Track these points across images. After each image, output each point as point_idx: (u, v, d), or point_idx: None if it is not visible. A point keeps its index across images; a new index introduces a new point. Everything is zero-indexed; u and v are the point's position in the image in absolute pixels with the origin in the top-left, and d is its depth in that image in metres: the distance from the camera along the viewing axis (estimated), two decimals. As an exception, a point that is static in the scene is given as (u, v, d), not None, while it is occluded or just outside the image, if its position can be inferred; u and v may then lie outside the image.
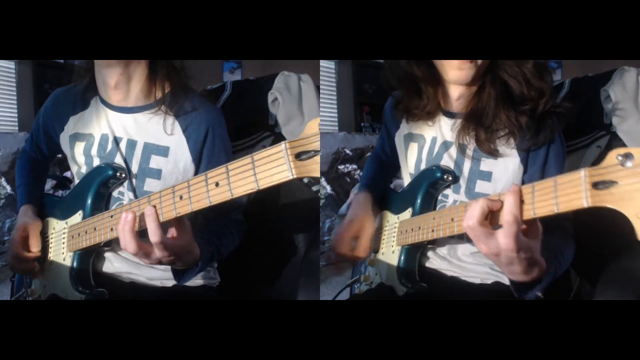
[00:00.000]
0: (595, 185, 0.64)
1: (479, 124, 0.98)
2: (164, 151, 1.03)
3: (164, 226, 0.83)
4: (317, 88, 1.34)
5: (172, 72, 1.03)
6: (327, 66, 3.26)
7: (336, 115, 3.37)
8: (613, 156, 0.63)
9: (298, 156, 0.69)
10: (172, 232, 0.85)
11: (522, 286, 0.84)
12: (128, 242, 0.84)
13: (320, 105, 1.35)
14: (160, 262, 0.87)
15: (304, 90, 1.31)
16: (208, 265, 0.97)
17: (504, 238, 0.74)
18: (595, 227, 1.13)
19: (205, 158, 1.04)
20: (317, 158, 0.69)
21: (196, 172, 1.05)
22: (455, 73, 0.96)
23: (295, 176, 0.68)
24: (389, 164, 1.25)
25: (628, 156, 0.61)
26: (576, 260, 1.14)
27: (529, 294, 0.85)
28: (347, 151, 3.07)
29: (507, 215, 0.74)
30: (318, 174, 0.69)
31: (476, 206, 0.77)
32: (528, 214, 0.73)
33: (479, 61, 0.94)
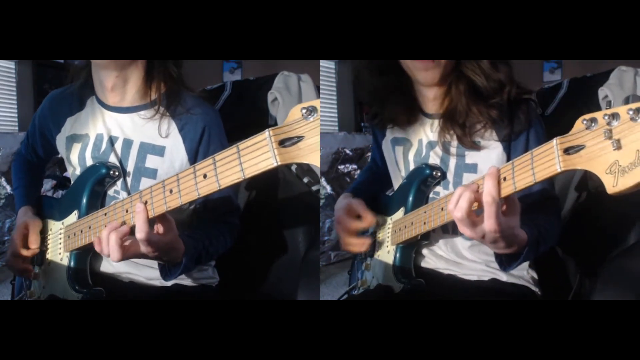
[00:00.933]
0: (566, 151, 0.69)
1: (455, 123, 1.01)
2: (159, 151, 1.03)
3: (149, 223, 0.84)
4: (317, 88, 1.34)
5: (167, 75, 1.04)
6: (327, 66, 3.25)
7: (336, 115, 3.37)
8: (579, 122, 0.68)
9: (282, 143, 0.69)
10: (158, 227, 0.86)
11: (506, 258, 0.89)
12: (113, 250, 0.84)
13: (320, 105, 1.35)
14: (144, 257, 0.88)
15: (303, 90, 1.32)
16: (195, 264, 0.97)
17: (486, 220, 0.78)
18: (589, 233, 1.13)
19: (201, 157, 1.04)
20: (302, 144, 0.68)
21: None
22: (422, 74, 0.99)
23: (279, 163, 0.68)
24: (380, 173, 1.26)
25: (593, 120, 0.66)
26: (572, 270, 1.15)
27: (513, 266, 0.89)
28: (347, 151, 3.07)
29: (486, 197, 0.78)
30: (305, 160, 0.69)
31: (464, 199, 0.80)
32: (510, 189, 0.77)
33: (443, 61, 0.97)
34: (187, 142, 1.03)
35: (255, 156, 0.70)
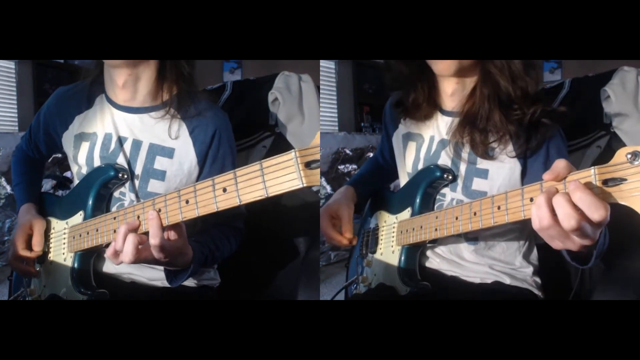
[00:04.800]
0: (605, 183, 0.66)
1: (474, 126, 0.99)
2: (169, 152, 1.03)
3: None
4: (317, 88, 1.34)
5: (179, 76, 1.03)
6: (327, 66, 3.25)
7: (336, 115, 3.37)
8: (622, 154, 0.65)
9: (308, 165, 0.68)
10: (169, 234, 0.86)
11: (583, 255, 0.79)
12: (128, 252, 0.83)
13: (320, 105, 1.35)
14: (156, 262, 0.87)
15: (304, 90, 1.31)
16: (200, 268, 0.97)
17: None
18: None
19: (210, 160, 1.04)
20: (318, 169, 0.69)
21: (200, 174, 1.05)
22: (437, 65, 0.98)
23: (305, 185, 0.68)
24: (386, 168, 1.26)
25: (636, 154, 0.64)
26: (572, 270, 1.14)
27: (593, 260, 0.79)
28: (347, 151, 3.07)
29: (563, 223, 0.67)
30: (319, 184, 0.69)
31: (541, 205, 0.69)
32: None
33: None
34: (197, 144, 1.03)
35: (280, 176, 0.70)
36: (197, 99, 1.05)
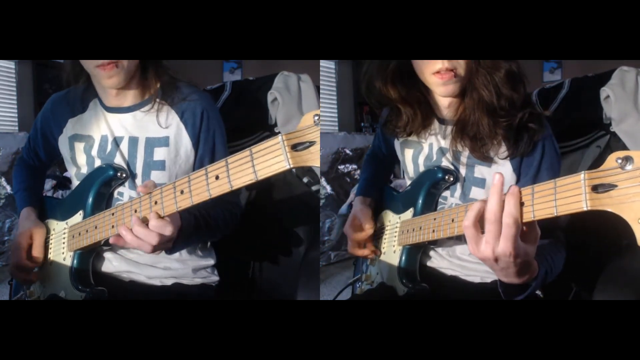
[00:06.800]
0: (595, 189, 0.63)
1: (465, 133, 1.00)
2: (164, 141, 1.04)
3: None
4: (317, 88, 1.34)
5: (160, 68, 1.06)
6: (327, 66, 3.25)
7: (336, 115, 3.37)
8: (612, 159, 0.62)
9: (294, 147, 0.71)
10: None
11: (511, 288, 0.84)
12: (146, 235, 0.86)
13: (320, 105, 1.35)
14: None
15: (303, 90, 1.32)
16: (195, 230, 0.97)
17: (502, 241, 0.73)
18: (589, 234, 1.13)
19: (202, 141, 1.07)
20: (313, 148, 0.71)
21: (196, 156, 1.07)
22: (442, 89, 0.98)
23: (292, 166, 0.70)
24: (386, 161, 1.26)
25: (628, 159, 0.60)
26: (572, 271, 1.15)
27: (517, 297, 0.85)
28: (347, 151, 3.07)
29: (506, 218, 0.72)
30: (314, 164, 0.71)
31: (473, 207, 0.76)
32: (528, 216, 0.72)
33: (462, 74, 0.96)
34: (189, 127, 1.06)
35: (268, 159, 0.72)
36: (179, 85, 1.08)
